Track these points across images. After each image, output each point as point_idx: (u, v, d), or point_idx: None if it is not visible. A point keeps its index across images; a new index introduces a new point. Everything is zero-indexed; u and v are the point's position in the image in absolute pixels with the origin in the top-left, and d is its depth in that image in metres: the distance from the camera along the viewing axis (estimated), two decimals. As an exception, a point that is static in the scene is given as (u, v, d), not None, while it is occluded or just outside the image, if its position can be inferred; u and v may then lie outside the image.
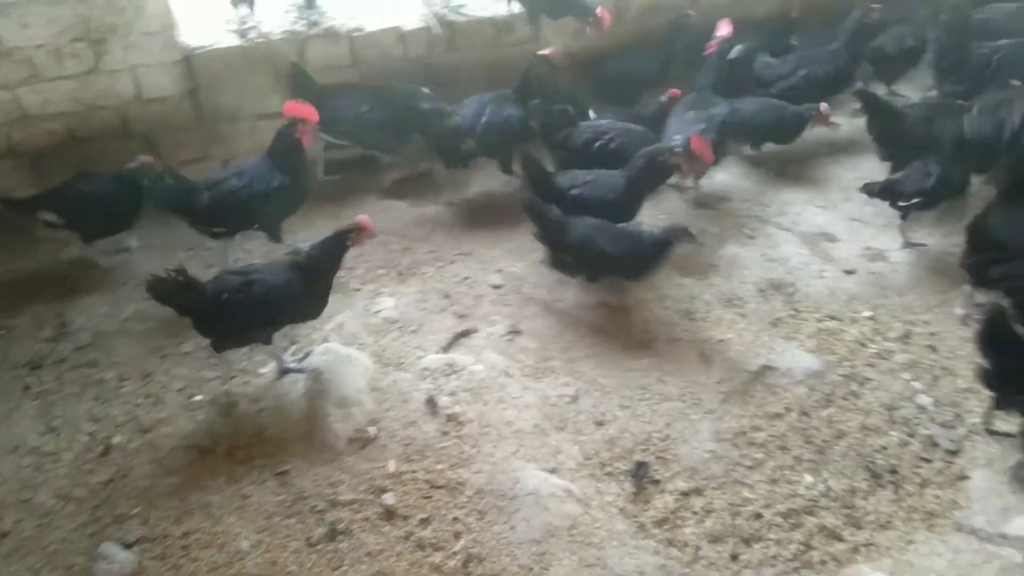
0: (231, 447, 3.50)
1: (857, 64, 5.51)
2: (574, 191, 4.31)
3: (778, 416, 3.81)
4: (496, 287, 4.32)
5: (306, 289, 3.54)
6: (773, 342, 4.14)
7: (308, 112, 4.03)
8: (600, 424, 3.66)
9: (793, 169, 5.39)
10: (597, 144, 4.62)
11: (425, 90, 4.68)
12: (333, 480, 3.34)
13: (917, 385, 3.98)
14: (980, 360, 3.63)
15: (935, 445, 3.70)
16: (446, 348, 3.94)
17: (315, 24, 4.69)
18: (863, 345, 4.17)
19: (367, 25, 4.73)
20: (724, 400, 3.84)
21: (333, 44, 4.64)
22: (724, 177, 5.31)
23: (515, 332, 4.06)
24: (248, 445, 3.48)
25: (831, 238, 4.79)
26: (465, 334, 4.04)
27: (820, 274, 4.55)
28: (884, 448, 3.69)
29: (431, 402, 3.60)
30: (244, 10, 4.70)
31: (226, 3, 4.73)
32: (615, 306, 4.26)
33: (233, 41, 4.54)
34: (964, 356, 4.09)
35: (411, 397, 3.65)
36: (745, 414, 3.80)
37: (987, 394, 3.80)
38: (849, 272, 4.56)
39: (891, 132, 4.93)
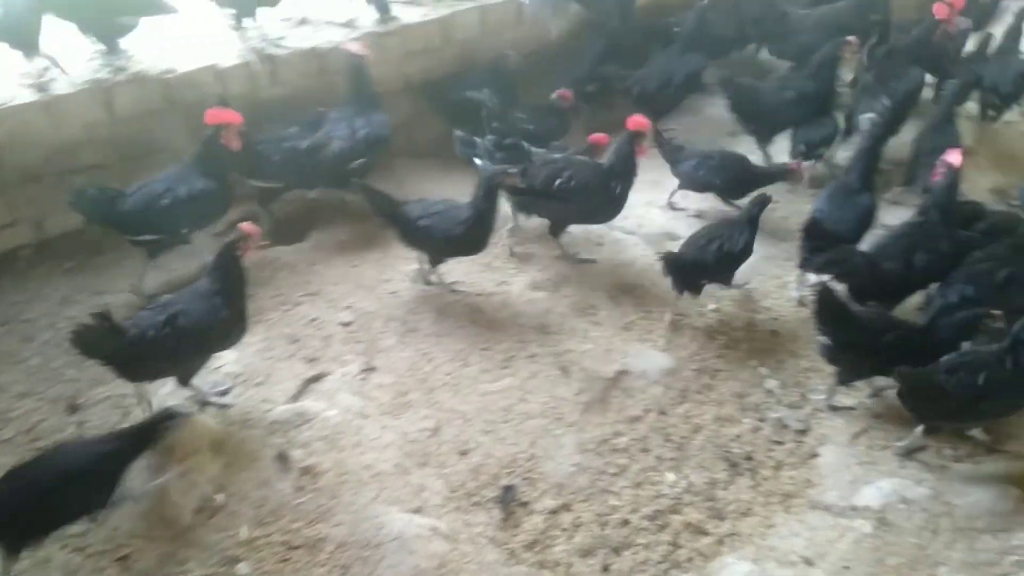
0: (66, 535, 3.19)
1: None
2: (422, 222, 4.23)
3: (638, 419, 3.86)
4: (346, 325, 4.17)
5: (228, 312, 3.44)
6: (628, 346, 4.20)
7: (231, 116, 4.10)
8: (464, 454, 3.59)
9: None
10: (558, 183, 4.44)
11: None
12: (180, 558, 3.09)
13: (764, 371, 4.14)
14: (819, 337, 3.83)
15: (785, 427, 3.86)
16: (296, 397, 3.75)
17: (121, 69, 4.39)
18: (712, 338, 4.31)
19: (180, 66, 4.47)
20: (585, 410, 3.86)
21: (142, 89, 4.36)
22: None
23: (369, 370, 3.93)
24: (82, 532, 3.18)
25: (673, 237, 4.93)
26: (316, 379, 3.87)
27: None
28: (738, 436, 3.82)
29: (282, 457, 3.42)
30: (41, 63, 4.34)
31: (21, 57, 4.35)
32: (471, 330, 4.21)
33: (30, 96, 4.19)
34: (804, 337, 4.31)
35: (260, 455, 3.45)
36: (606, 421, 3.83)
37: (828, 371, 4.03)
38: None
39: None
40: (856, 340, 3.69)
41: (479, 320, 4.28)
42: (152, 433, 3.08)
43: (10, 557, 2.88)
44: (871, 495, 3.43)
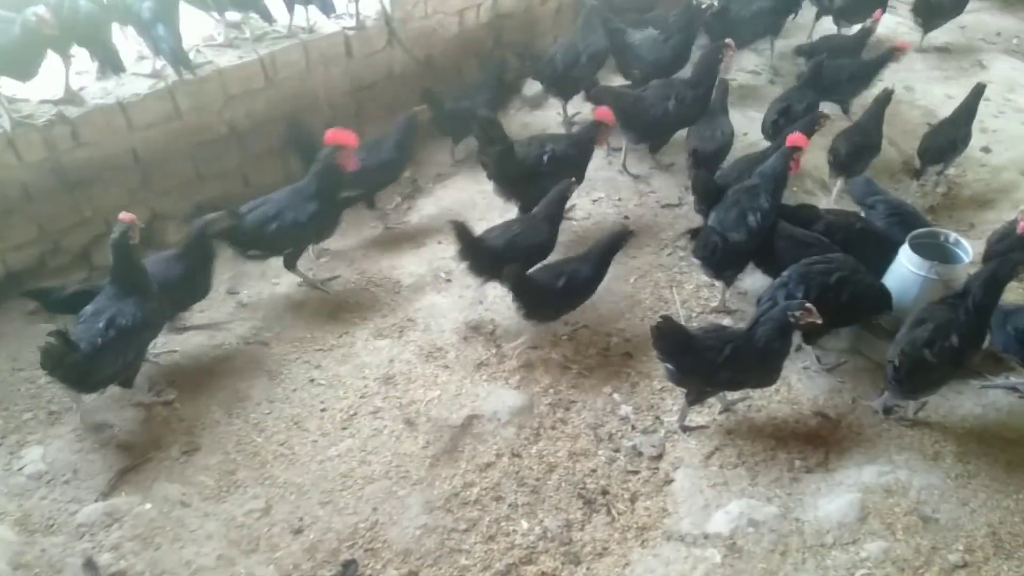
0: None
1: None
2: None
3: (490, 465, 3.69)
4: (167, 403, 3.84)
5: (156, 306, 3.68)
6: (478, 387, 4.03)
7: (349, 138, 4.27)
8: (298, 532, 3.33)
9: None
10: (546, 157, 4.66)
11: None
12: None
13: (617, 397, 4.04)
14: (662, 363, 3.75)
15: (640, 455, 3.76)
16: (107, 492, 3.40)
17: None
18: (566, 368, 4.18)
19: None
20: (433, 464, 3.66)
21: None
22: (416, 219, 5.19)
23: (192, 450, 3.62)
24: None
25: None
26: (131, 468, 3.53)
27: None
28: (594, 471, 3.69)
29: (89, 565, 3.07)
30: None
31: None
32: (308, 391, 3.95)
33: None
34: (656, 356, 4.23)
35: (66, 564, 3.09)
36: (456, 472, 3.64)
37: (680, 390, 3.96)
38: (545, 297, 4.58)
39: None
40: (697, 363, 3.62)
41: (318, 378, 4.02)
42: None
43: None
44: (721, 521, 3.35)
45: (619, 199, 5.32)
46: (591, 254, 4.24)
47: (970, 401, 3.88)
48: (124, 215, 3.59)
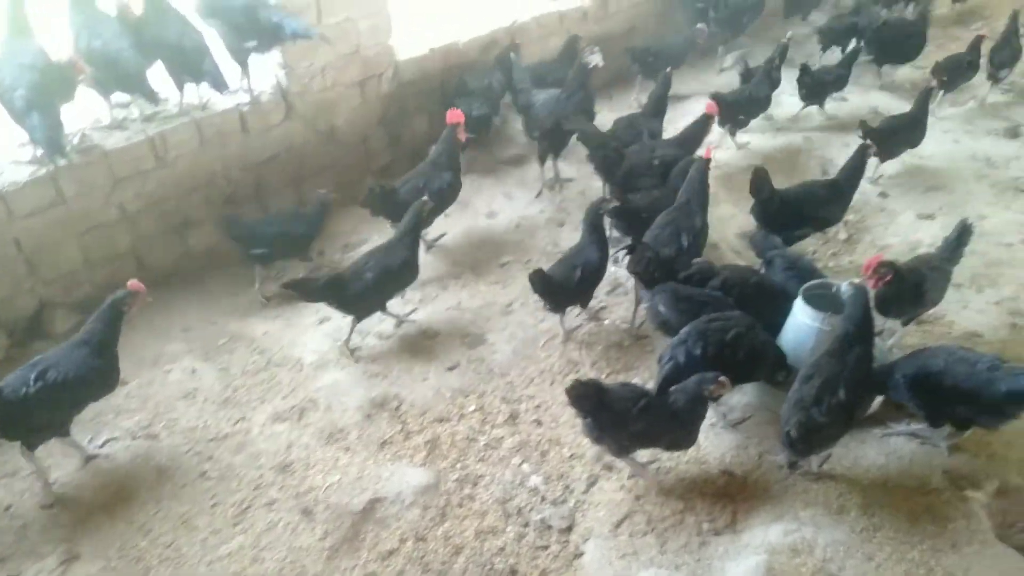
0: None
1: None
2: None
3: (393, 552, 3.54)
4: (47, 507, 3.61)
5: (99, 362, 3.67)
6: (382, 468, 3.89)
7: (458, 116, 5.14)
8: (182, 643, 3.12)
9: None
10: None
11: None
12: None
13: (526, 468, 3.94)
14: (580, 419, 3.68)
15: (549, 528, 3.66)
16: (-30, 617, 3.16)
17: None
18: (473, 440, 4.08)
19: None
20: (331, 556, 3.49)
21: None
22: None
23: (71, 559, 3.38)
24: None
25: (431, 335, 4.71)
26: (0, 586, 3.28)
27: (424, 377, 4.43)
28: (502, 549, 3.57)
29: None
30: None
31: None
32: (199, 486, 3.76)
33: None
34: (566, 421, 4.17)
35: None
36: (357, 563, 3.48)
37: (590, 457, 3.90)
38: (452, 368, 4.49)
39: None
40: (613, 417, 3.58)
41: (210, 471, 3.83)
42: None
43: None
44: (628, 596, 3.26)
45: (527, 260, 5.30)
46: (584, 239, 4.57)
47: (873, 450, 3.89)
48: (133, 283, 3.80)
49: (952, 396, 3.56)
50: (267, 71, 5.26)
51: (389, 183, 5.19)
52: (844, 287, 4.18)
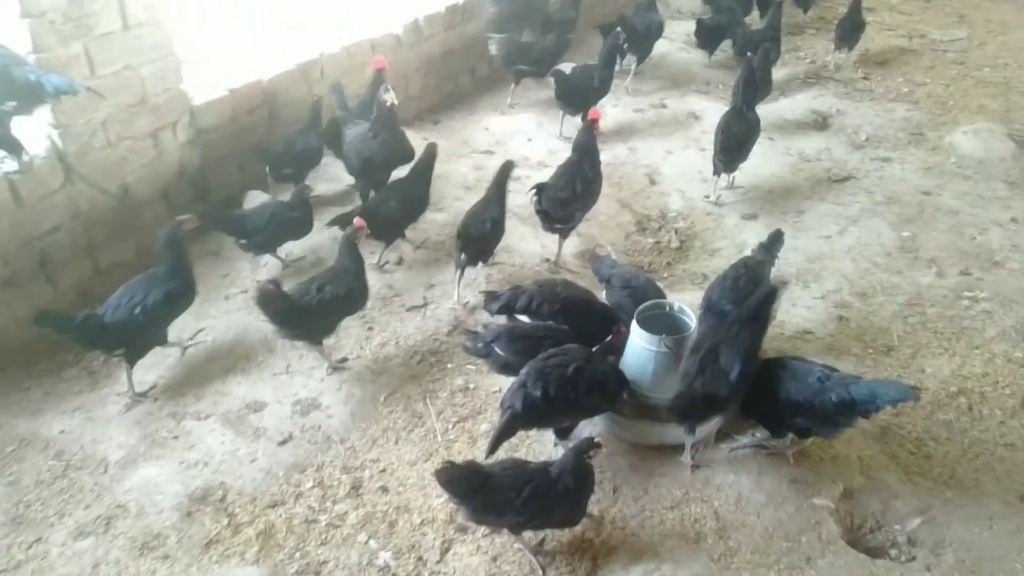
0: None
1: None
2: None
3: (225, 674, 3.13)
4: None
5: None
6: (207, 573, 3.45)
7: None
8: None
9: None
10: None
11: None
12: None
13: (374, 544, 3.62)
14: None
15: (401, 611, 3.36)
16: None
17: None
18: (313, 522, 3.71)
19: None
20: None
21: None
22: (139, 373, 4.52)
23: None
24: None
25: (257, 406, 4.29)
26: None
27: (251, 458, 4.00)
28: (350, 647, 3.24)
29: None
30: None
31: None
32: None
33: None
34: (414, 483, 3.89)
35: None
36: None
37: (443, 519, 3.64)
38: (284, 442, 4.09)
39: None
40: (494, 503, 3.32)
41: (-6, 615, 3.27)
42: None
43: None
44: None
45: (363, 315, 4.98)
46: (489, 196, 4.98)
47: (723, 468, 3.87)
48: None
49: (788, 409, 3.57)
50: (39, 133, 4.64)
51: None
52: (677, 306, 4.17)
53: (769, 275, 4.59)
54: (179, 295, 4.36)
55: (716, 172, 6.24)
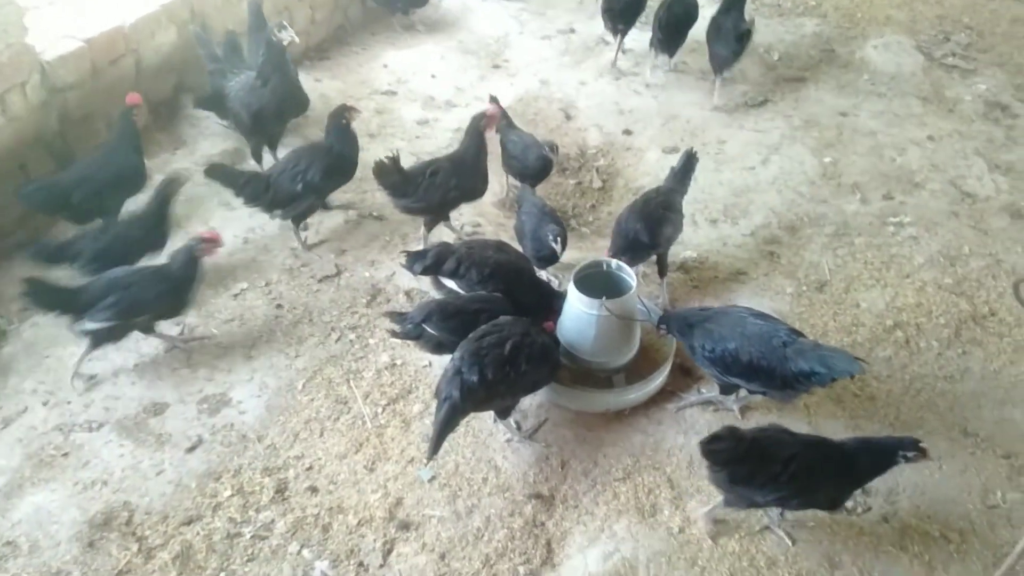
0: None
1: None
2: None
3: None
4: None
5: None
6: (119, 613, 3.06)
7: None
8: None
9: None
10: None
11: None
12: None
13: (308, 554, 3.29)
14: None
15: (345, 628, 3.08)
16: None
17: None
18: (236, 536, 3.34)
19: None
20: None
21: None
22: None
23: None
24: None
25: (157, 408, 3.82)
26: None
27: (157, 470, 3.56)
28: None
29: None
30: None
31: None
32: None
33: None
34: (346, 479, 3.56)
35: None
36: None
37: (382, 517, 3.34)
38: (192, 447, 3.65)
39: None
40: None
41: None
42: None
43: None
44: None
45: (266, 283, 4.50)
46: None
47: (672, 430, 3.71)
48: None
49: (748, 372, 3.39)
50: None
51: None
52: (615, 263, 3.91)
53: (681, 203, 4.41)
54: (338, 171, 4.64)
55: (654, 49, 6.38)
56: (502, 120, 4.95)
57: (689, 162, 4.50)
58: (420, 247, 4.40)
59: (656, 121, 6.13)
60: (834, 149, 5.80)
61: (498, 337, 3.41)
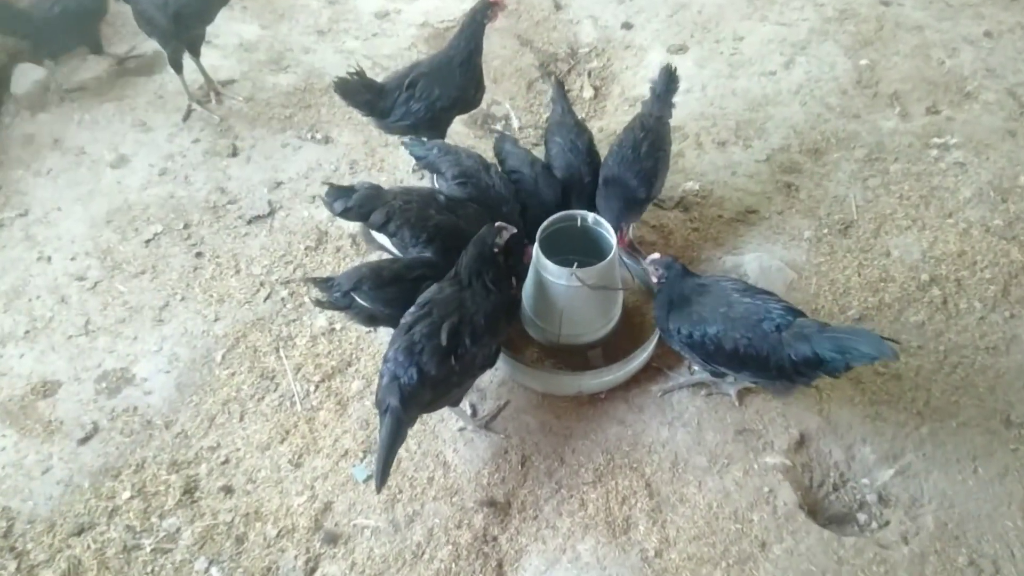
0: None
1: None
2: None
3: None
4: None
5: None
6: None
7: None
8: None
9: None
10: None
11: None
12: None
13: (216, 572, 2.79)
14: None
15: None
16: None
17: None
18: (135, 548, 2.84)
19: None
20: None
21: None
22: None
23: None
24: None
25: (48, 389, 3.23)
26: None
27: (44, 467, 3.01)
28: None
29: None
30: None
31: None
32: None
33: None
34: (267, 476, 3.03)
35: None
36: None
37: (304, 527, 2.81)
38: (87, 437, 3.09)
39: None
40: None
41: None
42: None
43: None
44: None
45: (184, 225, 3.82)
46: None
47: (655, 421, 3.09)
48: None
49: (735, 361, 2.73)
50: None
51: None
52: (592, 217, 3.17)
53: (669, 131, 3.60)
54: None
55: None
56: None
57: (671, 79, 3.64)
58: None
59: (662, 11, 5.17)
60: (872, 48, 4.85)
61: (430, 324, 2.72)
